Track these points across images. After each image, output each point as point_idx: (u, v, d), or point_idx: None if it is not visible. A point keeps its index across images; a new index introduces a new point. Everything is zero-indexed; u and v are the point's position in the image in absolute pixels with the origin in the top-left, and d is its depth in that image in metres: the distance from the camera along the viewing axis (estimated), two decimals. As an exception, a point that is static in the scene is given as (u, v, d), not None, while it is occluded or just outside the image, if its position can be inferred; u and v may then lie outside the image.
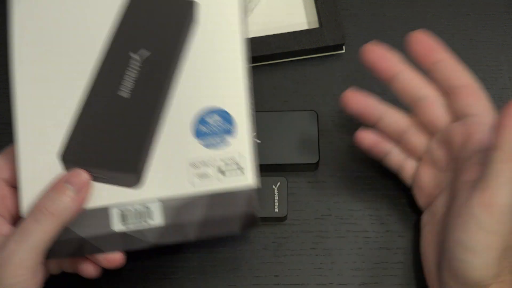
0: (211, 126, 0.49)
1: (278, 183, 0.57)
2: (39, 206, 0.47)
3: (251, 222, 0.49)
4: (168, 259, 0.57)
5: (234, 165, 0.49)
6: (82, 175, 0.47)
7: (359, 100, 0.53)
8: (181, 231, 0.48)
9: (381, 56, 0.52)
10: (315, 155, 0.58)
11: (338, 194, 0.59)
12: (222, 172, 0.49)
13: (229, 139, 0.49)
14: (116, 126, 0.49)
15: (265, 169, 0.58)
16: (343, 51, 0.63)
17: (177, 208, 0.48)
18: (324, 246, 0.57)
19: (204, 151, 0.49)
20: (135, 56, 0.50)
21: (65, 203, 0.46)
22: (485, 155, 0.46)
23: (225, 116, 0.49)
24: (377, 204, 0.58)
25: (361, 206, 0.58)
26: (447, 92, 0.51)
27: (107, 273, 0.53)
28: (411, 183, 0.55)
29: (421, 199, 0.54)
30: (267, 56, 0.62)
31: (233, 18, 0.50)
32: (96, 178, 0.48)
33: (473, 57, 0.63)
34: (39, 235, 0.46)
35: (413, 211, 0.57)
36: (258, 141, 0.58)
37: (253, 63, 0.62)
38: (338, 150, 0.60)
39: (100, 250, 0.48)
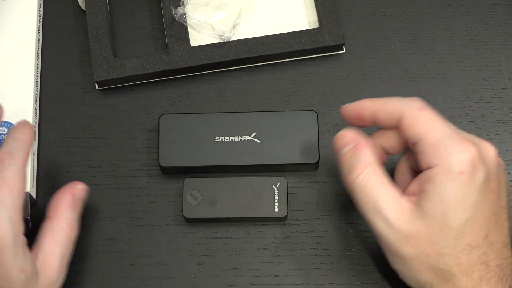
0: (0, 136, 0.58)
1: (278, 183, 0.57)
2: None
3: (25, 226, 0.53)
4: (168, 258, 0.57)
5: None
6: None
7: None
8: None
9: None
10: (315, 155, 0.58)
11: (338, 194, 0.59)
12: None
13: None
14: None
15: (265, 169, 0.58)
16: (343, 51, 0.63)
17: None
18: (324, 246, 0.57)
19: None
20: None
21: None
22: None
23: (11, 129, 0.56)
24: (377, 204, 0.58)
25: (361, 206, 0.58)
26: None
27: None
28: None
29: None
30: (267, 56, 0.62)
31: (29, 49, 0.61)
32: None
33: (473, 57, 0.63)
34: None
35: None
36: (258, 141, 0.58)
37: (253, 63, 0.62)
38: (338, 150, 0.60)
39: None
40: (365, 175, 0.49)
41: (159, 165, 0.58)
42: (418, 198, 0.48)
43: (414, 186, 0.50)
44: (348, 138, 0.51)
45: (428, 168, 0.48)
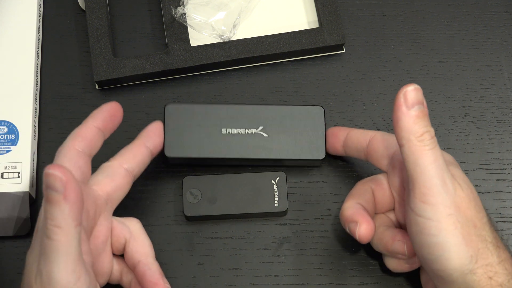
0: None
1: (277, 178, 0.57)
2: None
3: (24, 225, 0.55)
4: (168, 258, 0.57)
5: (13, 170, 0.57)
6: None
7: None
8: None
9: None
10: (322, 151, 0.57)
11: (338, 194, 0.59)
12: (1, 175, 0.56)
13: (12, 147, 0.57)
14: None
15: (270, 163, 0.58)
16: (343, 51, 0.63)
17: None
18: (324, 246, 0.57)
19: None
20: None
21: None
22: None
23: (11, 128, 0.58)
24: (377, 204, 0.58)
25: (361, 206, 0.58)
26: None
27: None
28: None
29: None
30: (267, 56, 0.62)
31: (29, 48, 0.61)
32: None
33: (473, 57, 0.63)
34: None
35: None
36: (265, 135, 0.57)
37: (253, 63, 0.62)
38: (338, 150, 0.60)
39: None
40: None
41: (164, 155, 0.57)
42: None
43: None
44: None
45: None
